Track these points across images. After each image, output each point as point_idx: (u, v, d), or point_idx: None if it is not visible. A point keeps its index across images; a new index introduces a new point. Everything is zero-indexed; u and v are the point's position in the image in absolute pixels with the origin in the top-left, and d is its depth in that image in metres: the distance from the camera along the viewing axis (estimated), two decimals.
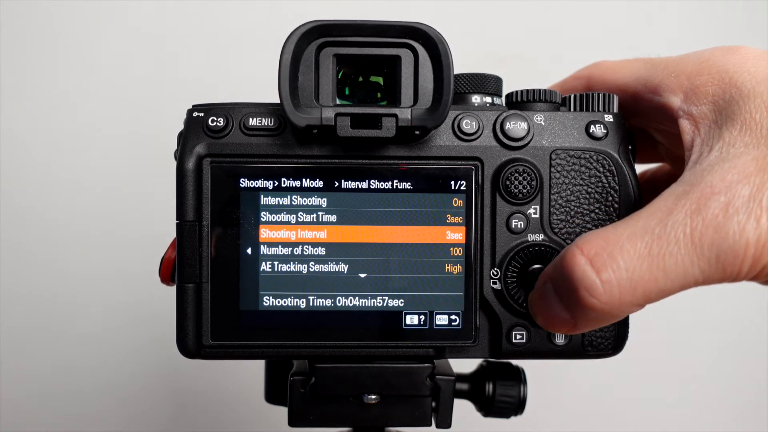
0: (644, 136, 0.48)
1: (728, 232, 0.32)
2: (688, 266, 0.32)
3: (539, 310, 0.38)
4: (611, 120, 0.42)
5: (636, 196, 0.41)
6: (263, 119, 0.40)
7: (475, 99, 0.43)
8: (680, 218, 0.33)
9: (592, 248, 0.34)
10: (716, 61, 0.38)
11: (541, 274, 0.38)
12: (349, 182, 0.40)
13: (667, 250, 0.33)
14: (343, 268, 0.40)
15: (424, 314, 0.41)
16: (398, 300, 0.41)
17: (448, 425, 0.44)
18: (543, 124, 0.41)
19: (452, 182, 0.41)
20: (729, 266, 0.32)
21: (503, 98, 0.44)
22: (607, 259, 0.33)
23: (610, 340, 0.42)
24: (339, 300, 0.41)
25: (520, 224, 0.41)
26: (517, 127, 0.41)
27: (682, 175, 0.36)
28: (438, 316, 0.41)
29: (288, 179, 0.40)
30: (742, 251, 0.32)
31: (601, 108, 0.42)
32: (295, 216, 0.40)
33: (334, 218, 0.40)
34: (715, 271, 0.32)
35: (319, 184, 0.40)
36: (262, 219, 0.40)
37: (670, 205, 0.34)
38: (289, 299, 0.40)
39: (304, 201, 0.40)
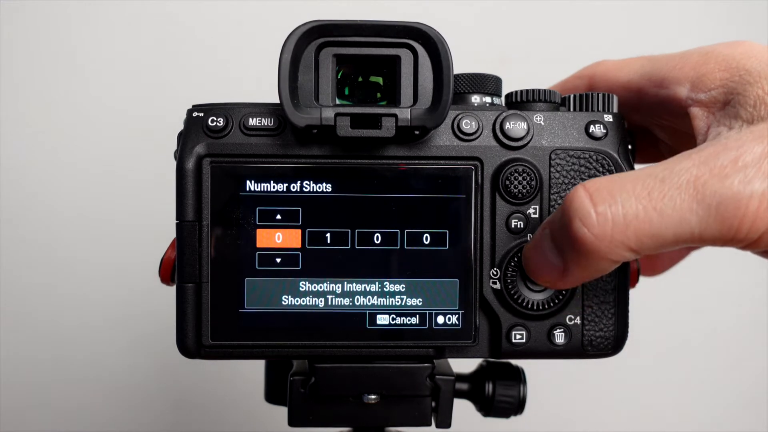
0: (646, 134, 0.48)
1: (733, 182, 0.31)
2: (685, 212, 0.32)
3: (531, 256, 0.38)
4: (611, 120, 0.42)
5: None
6: (263, 119, 0.40)
7: (475, 99, 0.43)
8: (686, 166, 0.33)
9: (594, 185, 0.34)
10: (721, 51, 0.39)
11: (543, 223, 0.38)
12: (349, 182, 0.40)
13: (667, 194, 0.32)
14: (342, 268, 0.40)
15: (424, 314, 0.41)
16: (398, 300, 0.41)
17: (448, 425, 0.44)
18: (542, 124, 0.41)
19: (452, 182, 0.41)
20: (728, 218, 0.31)
21: (503, 98, 0.44)
22: (606, 195, 0.33)
23: (609, 340, 0.42)
24: (339, 300, 0.41)
25: (520, 224, 0.41)
26: (516, 127, 0.41)
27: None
28: (438, 316, 0.41)
29: (288, 179, 0.40)
30: (745, 204, 0.31)
31: (600, 108, 0.42)
32: (294, 216, 0.40)
33: (333, 218, 0.40)
34: (713, 222, 0.32)
35: (319, 184, 0.40)
36: (261, 219, 0.40)
37: (680, 157, 0.34)
38: (288, 299, 0.40)
39: (304, 201, 0.40)
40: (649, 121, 0.45)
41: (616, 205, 0.33)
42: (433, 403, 0.44)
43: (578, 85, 0.47)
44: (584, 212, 0.33)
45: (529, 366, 0.50)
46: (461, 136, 0.41)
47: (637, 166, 0.43)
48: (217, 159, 0.40)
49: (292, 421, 0.43)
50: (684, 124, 0.39)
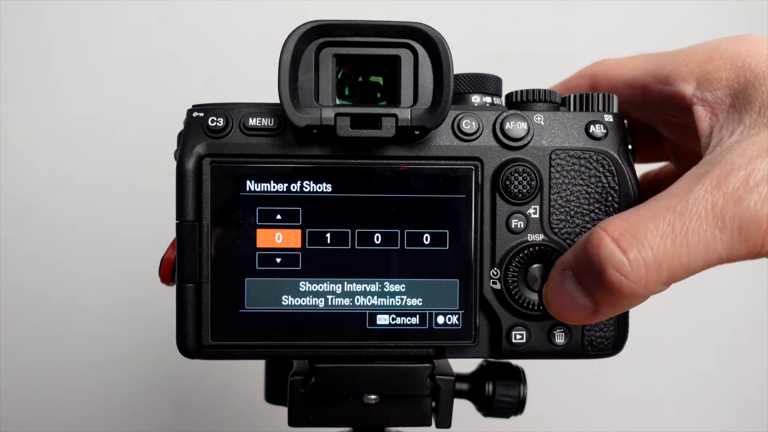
0: (649, 131, 0.48)
1: (749, 204, 0.32)
2: (710, 240, 0.32)
3: (556, 299, 0.38)
4: (611, 120, 0.42)
5: (635, 196, 0.41)
6: (263, 119, 0.40)
7: (475, 99, 0.43)
8: (701, 194, 0.33)
9: (616, 230, 0.34)
10: (727, 47, 0.38)
11: (557, 263, 0.38)
12: (349, 182, 0.40)
13: (690, 226, 0.33)
14: (342, 268, 0.40)
15: (424, 314, 0.41)
16: (398, 300, 0.41)
17: (448, 425, 0.44)
18: (543, 124, 0.41)
19: (452, 182, 0.41)
20: (752, 238, 0.32)
21: (503, 98, 0.44)
22: (632, 239, 0.33)
23: (609, 340, 0.42)
24: (339, 300, 0.41)
25: (520, 224, 0.41)
26: (516, 127, 0.41)
27: (702, 159, 0.36)
28: (438, 316, 0.41)
29: (288, 179, 0.40)
30: (765, 221, 0.32)
31: (600, 108, 0.42)
32: (294, 216, 0.40)
33: (333, 218, 0.40)
34: (738, 245, 0.32)
35: (319, 184, 0.40)
36: (261, 219, 0.40)
37: (691, 184, 0.34)
38: (288, 299, 0.40)
39: (304, 201, 0.40)
40: (653, 118, 0.45)
41: (645, 249, 0.33)
42: (433, 403, 0.44)
43: (580, 84, 0.47)
44: (617, 261, 0.34)
45: (529, 366, 0.50)
46: (461, 136, 0.41)
47: (637, 166, 0.43)
48: (217, 159, 0.40)
49: (292, 421, 0.43)
50: (689, 120, 0.39)
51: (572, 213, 0.41)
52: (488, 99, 0.43)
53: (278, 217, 0.40)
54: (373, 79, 0.40)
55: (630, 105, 0.44)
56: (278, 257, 0.40)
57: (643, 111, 0.44)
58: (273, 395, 0.51)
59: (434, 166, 0.41)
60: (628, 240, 0.34)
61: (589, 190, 0.41)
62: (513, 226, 0.41)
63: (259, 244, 0.40)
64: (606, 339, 0.42)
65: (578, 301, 0.36)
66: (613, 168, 0.41)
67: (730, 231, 0.32)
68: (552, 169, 0.41)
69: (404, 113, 0.38)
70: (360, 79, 0.40)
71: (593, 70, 0.46)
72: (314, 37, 0.38)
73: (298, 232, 0.40)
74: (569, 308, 0.37)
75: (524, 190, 0.41)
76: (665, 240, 0.33)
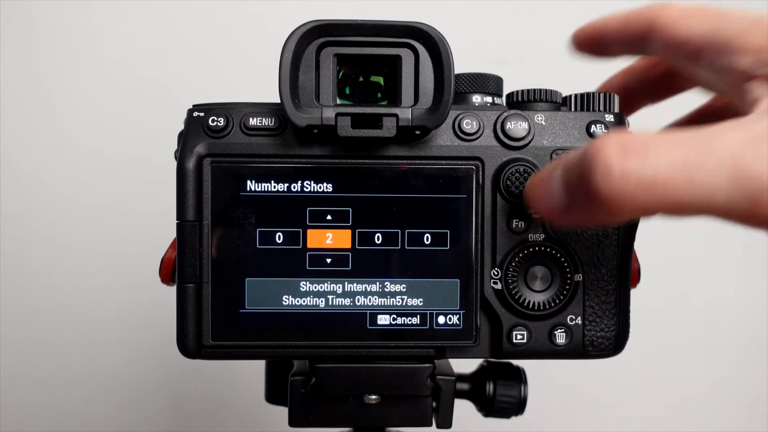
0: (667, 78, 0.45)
1: None
2: (718, 187, 0.30)
3: (535, 186, 0.35)
4: (612, 120, 0.42)
5: None
6: (263, 119, 0.40)
7: (476, 99, 0.43)
8: (729, 141, 0.30)
9: (628, 138, 0.31)
10: None
11: (555, 160, 0.36)
12: (350, 182, 0.40)
13: (703, 165, 0.30)
14: (343, 268, 0.40)
15: (425, 314, 0.41)
16: (399, 300, 0.41)
17: (449, 425, 0.44)
18: (544, 123, 0.41)
19: (453, 182, 0.40)
20: (763, 205, 0.29)
21: (504, 98, 0.44)
22: (641, 150, 0.30)
23: (611, 340, 0.42)
24: (339, 300, 0.41)
25: (521, 224, 0.41)
26: (517, 126, 0.41)
27: (750, 115, 0.33)
28: (438, 317, 0.41)
29: (288, 179, 0.40)
30: None
31: (601, 108, 0.42)
32: (295, 216, 0.40)
33: (334, 218, 0.40)
34: (745, 204, 0.29)
35: (320, 184, 0.40)
36: (262, 219, 0.40)
37: (723, 129, 0.31)
38: (289, 299, 0.40)
39: (305, 201, 0.40)
40: (697, 80, 0.41)
41: (646, 165, 0.30)
42: (434, 404, 0.44)
43: (638, 27, 0.41)
44: (611, 162, 0.30)
45: (530, 366, 0.50)
46: (462, 136, 0.41)
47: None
48: (218, 159, 0.40)
49: (293, 422, 0.43)
50: (735, 94, 0.36)
51: None
52: (489, 99, 0.43)
53: (279, 217, 0.40)
54: (373, 78, 0.40)
55: (677, 57, 0.40)
56: (279, 257, 0.40)
57: (690, 69, 0.40)
58: (273, 395, 0.51)
59: (435, 165, 0.40)
60: (635, 149, 0.30)
61: None
62: (514, 226, 0.41)
63: (259, 244, 0.40)
64: (607, 339, 0.42)
65: (554, 194, 0.34)
66: None
67: (742, 187, 0.29)
68: None
69: (405, 113, 0.38)
70: (361, 78, 0.40)
71: (654, 14, 0.40)
72: (315, 36, 0.38)
73: (299, 232, 0.40)
74: (542, 196, 0.35)
75: None
76: (672, 166, 0.30)
